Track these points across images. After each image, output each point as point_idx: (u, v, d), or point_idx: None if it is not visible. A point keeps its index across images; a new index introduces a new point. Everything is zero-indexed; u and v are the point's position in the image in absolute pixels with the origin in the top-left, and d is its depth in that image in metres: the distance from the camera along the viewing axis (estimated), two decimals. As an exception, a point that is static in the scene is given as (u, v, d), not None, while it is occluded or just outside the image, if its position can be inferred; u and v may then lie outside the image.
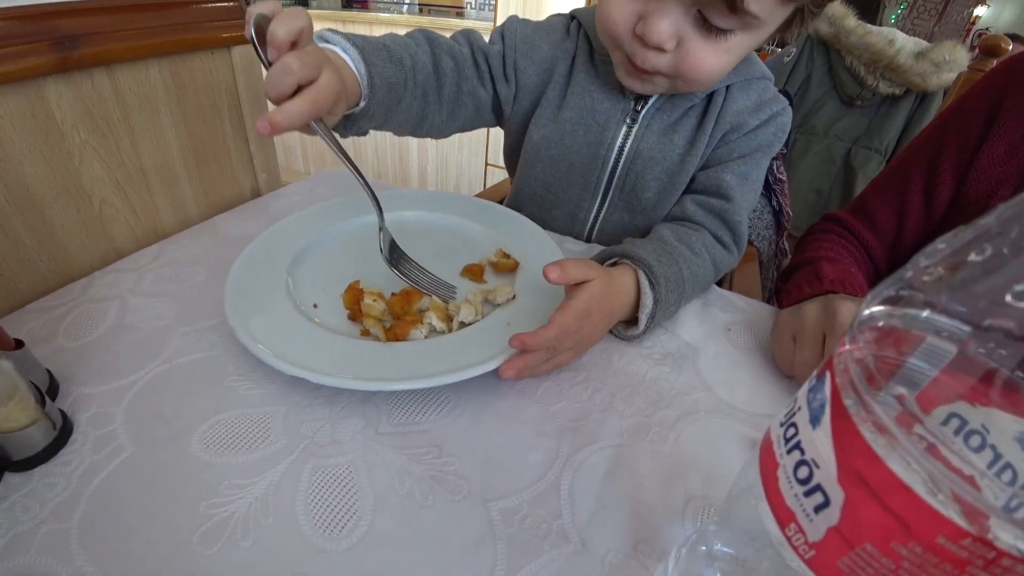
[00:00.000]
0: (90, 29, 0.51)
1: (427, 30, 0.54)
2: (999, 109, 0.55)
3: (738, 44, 0.46)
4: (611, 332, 0.50)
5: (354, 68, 0.44)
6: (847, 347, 0.20)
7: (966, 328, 0.16)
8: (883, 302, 0.19)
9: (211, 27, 0.61)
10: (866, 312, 0.20)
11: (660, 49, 0.45)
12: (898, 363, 0.18)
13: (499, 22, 1.97)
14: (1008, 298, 0.15)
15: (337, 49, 0.44)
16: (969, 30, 7.58)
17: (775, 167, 0.80)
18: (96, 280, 0.55)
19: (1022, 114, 0.54)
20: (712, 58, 0.46)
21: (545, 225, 0.68)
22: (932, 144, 0.60)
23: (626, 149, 0.56)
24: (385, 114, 0.48)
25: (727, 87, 0.55)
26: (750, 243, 0.78)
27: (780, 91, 0.74)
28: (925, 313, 0.18)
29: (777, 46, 4.33)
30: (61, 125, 0.52)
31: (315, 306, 0.49)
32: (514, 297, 0.50)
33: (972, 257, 0.17)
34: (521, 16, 0.60)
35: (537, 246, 0.56)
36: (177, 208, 0.66)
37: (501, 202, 0.82)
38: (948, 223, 0.59)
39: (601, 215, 0.63)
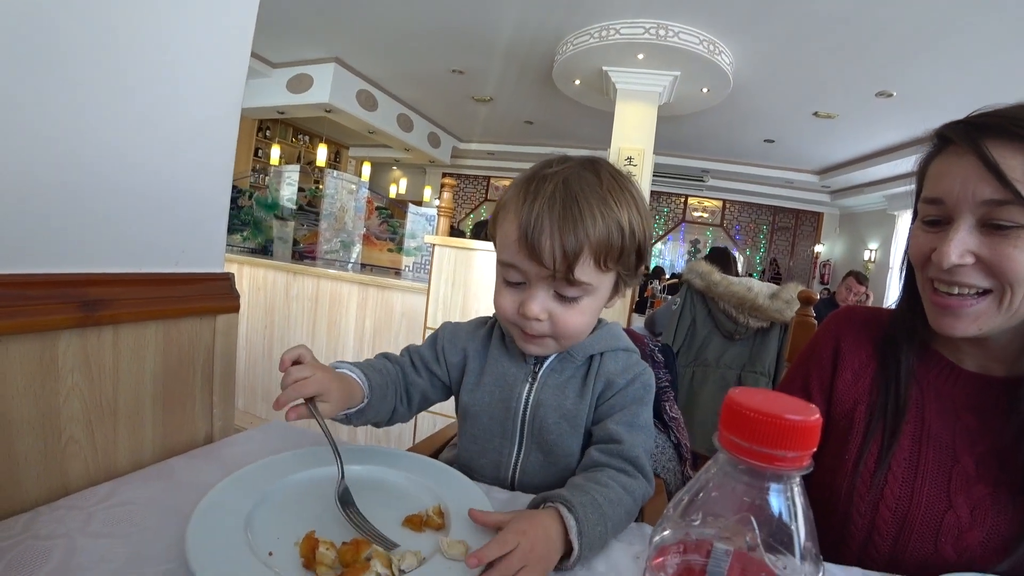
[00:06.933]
0: (111, 296, 0.63)
1: (387, 353, 0.80)
2: (839, 347, 0.79)
3: (588, 305, 0.68)
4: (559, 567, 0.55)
5: (359, 380, 0.69)
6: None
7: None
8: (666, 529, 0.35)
9: (202, 299, 0.76)
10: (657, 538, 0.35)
11: (538, 319, 0.67)
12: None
13: (432, 284, 2.30)
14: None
15: (345, 370, 0.68)
16: (815, 261, 9.54)
17: (667, 408, 0.99)
18: (41, 516, 0.53)
19: (855, 350, 0.78)
20: (575, 318, 0.68)
21: (477, 471, 0.78)
22: (801, 374, 0.82)
23: (531, 400, 0.75)
24: (378, 408, 0.71)
25: (601, 354, 0.76)
26: (657, 476, 0.90)
27: (663, 345, 0.95)
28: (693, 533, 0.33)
29: (667, 294, 5.09)
30: (60, 369, 0.59)
31: (270, 554, 0.52)
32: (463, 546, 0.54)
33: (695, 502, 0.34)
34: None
35: (467, 496, 0.64)
36: (135, 448, 0.69)
37: (436, 452, 0.91)
38: (827, 434, 0.76)
39: (520, 458, 0.76)
